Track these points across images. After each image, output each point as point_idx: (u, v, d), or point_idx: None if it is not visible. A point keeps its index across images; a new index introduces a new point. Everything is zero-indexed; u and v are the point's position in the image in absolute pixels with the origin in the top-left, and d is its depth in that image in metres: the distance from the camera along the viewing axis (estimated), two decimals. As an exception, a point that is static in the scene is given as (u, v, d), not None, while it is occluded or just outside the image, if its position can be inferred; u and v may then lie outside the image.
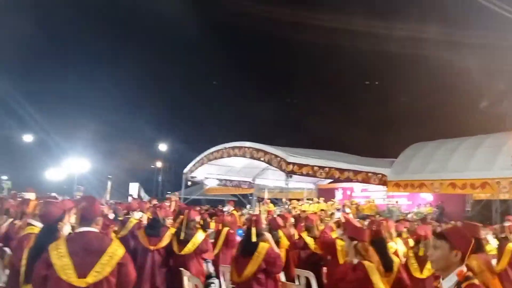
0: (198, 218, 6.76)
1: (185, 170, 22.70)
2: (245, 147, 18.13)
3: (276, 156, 16.55)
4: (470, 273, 2.51)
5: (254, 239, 4.93)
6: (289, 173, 16.28)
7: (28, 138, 31.29)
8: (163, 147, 32.68)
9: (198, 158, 21.39)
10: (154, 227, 6.49)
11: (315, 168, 16.52)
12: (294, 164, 16.05)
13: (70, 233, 3.41)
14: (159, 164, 33.26)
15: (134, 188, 27.04)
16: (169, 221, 6.48)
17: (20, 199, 8.93)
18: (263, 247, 4.80)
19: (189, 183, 24.38)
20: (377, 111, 30.98)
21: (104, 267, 3.07)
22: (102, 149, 30.87)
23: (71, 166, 29.28)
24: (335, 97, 33.41)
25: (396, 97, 29.53)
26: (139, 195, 24.43)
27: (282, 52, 37.03)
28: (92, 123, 30.55)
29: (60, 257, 2.99)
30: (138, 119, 31.83)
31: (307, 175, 16.84)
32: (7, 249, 6.15)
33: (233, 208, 14.17)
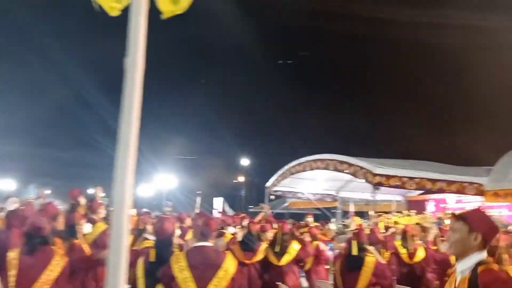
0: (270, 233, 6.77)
1: (267, 184, 22.87)
2: (328, 159, 17.89)
3: (362, 167, 16.11)
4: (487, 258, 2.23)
5: (355, 252, 4.83)
6: (376, 185, 15.74)
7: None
8: (245, 161, 33.34)
9: (280, 172, 21.46)
10: (248, 242, 6.62)
11: (404, 179, 15.81)
12: (381, 175, 15.50)
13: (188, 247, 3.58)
14: (241, 178, 33.93)
15: (218, 203, 27.76)
16: (268, 235, 6.57)
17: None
18: (369, 261, 4.69)
19: (272, 197, 24.53)
20: (466, 115, 29.12)
21: (220, 281, 3.19)
22: (188, 165, 32.20)
23: (160, 182, 30.89)
24: (418, 102, 32.01)
25: (487, 100, 27.52)
26: (223, 210, 25.03)
27: (358, 60, 36.32)
28: (178, 140, 32.04)
29: (181, 270, 3.16)
30: (221, 135, 32.86)
31: (396, 186, 16.16)
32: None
33: (313, 221, 13.96)
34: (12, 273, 4.16)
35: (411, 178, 15.74)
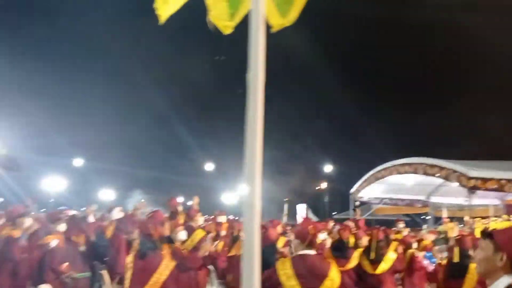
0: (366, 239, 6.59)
1: (352, 190, 22.45)
2: (417, 163, 17.16)
3: (455, 171, 15.25)
4: None
5: (456, 259, 4.60)
6: (472, 189, 14.82)
7: (210, 167, 35.01)
8: (328, 168, 32.99)
9: (365, 177, 21.00)
10: (340, 249, 6.53)
11: (502, 181, 14.71)
12: (476, 178, 14.56)
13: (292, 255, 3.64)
14: (324, 185, 33.58)
15: (302, 209, 27.68)
16: (363, 241, 6.45)
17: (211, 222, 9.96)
18: (474, 268, 4.44)
19: (357, 203, 23.99)
20: None
21: None
22: (271, 172, 32.56)
23: (244, 190, 31.46)
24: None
25: None
26: (307, 217, 24.92)
27: (440, 58, 34.45)
28: (264, 148, 32.52)
29: (288, 278, 3.22)
30: (303, 141, 32.87)
31: (493, 190, 15.08)
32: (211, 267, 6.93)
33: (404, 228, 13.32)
34: (128, 275, 4.52)
35: (510, 181, 14.62)
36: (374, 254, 6.16)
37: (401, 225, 11.27)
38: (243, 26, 2.25)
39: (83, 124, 30.30)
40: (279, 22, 2.20)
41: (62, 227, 6.20)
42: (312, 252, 3.47)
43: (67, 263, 5.88)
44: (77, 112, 31.26)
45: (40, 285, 5.73)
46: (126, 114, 31.98)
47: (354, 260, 6.36)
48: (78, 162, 31.95)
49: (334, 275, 3.33)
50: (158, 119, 33.17)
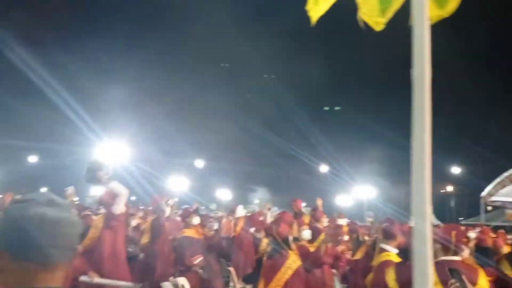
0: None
1: (483, 194, 20.49)
2: None
3: None
4: None
5: None
6: None
7: (324, 169, 34.90)
8: (455, 169, 30.67)
9: (498, 180, 19.00)
10: (483, 256, 6.09)
11: None
12: None
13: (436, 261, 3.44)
14: (450, 188, 31.27)
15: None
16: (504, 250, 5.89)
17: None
18: None
19: (489, 208, 21.85)
20: None
21: None
22: (388, 176, 31.33)
23: (360, 193, 30.83)
24: None
25: None
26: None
27: None
28: (374, 149, 31.44)
29: (434, 284, 3.05)
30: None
31: None
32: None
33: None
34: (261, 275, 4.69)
35: None
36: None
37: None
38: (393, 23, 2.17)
39: (204, 128, 32.19)
40: (437, 13, 2.07)
41: (196, 220, 6.63)
42: (457, 258, 3.26)
43: (200, 256, 6.30)
44: (198, 117, 33.28)
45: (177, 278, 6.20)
46: (242, 117, 33.21)
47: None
48: (199, 163, 34.09)
49: (483, 283, 3.08)
50: (273, 121, 33.86)
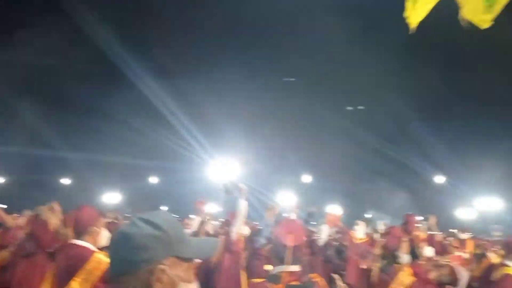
0: None
1: None
2: None
3: None
4: None
5: None
6: None
7: (440, 179, 32.80)
8: None
9: None
10: None
11: None
12: None
13: None
14: None
15: None
16: None
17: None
18: None
19: None
20: None
21: None
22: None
23: (482, 205, 28.27)
24: None
25: None
26: None
27: None
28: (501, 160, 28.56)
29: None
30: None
31: None
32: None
33: None
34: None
35: None
36: None
37: None
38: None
39: (310, 144, 32.24)
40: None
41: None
42: None
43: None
44: (308, 132, 33.43)
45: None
46: (350, 135, 32.59)
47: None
48: (306, 178, 34.11)
49: None
50: (384, 136, 32.64)
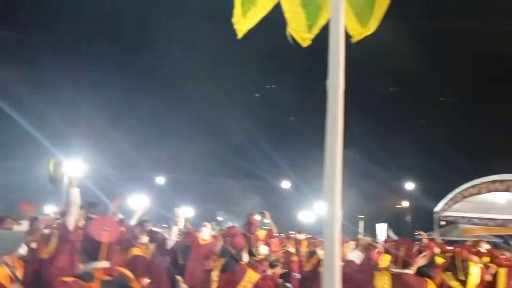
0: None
1: (436, 209, 21.25)
2: (509, 180, 15.88)
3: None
4: None
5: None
6: None
7: (286, 184, 35.19)
8: (410, 185, 31.58)
9: (450, 196, 19.83)
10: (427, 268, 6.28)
11: None
12: None
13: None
14: (405, 203, 32.17)
15: (381, 229, 26.65)
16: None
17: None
18: None
19: (442, 223, 22.61)
20: None
21: None
22: (350, 191, 31.85)
23: (321, 208, 31.20)
24: None
25: None
26: (388, 236, 23.92)
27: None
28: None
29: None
30: (384, 158, 31.80)
31: None
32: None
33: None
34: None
35: None
36: (462, 273, 5.87)
37: (485, 245, 10.47)
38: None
39: (164, 146, 31.84)
40: (359, 31, 2.18)
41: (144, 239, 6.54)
42: (410, 271, 3.52)
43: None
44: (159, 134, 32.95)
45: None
46: (205, 139, 33.11)
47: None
48: (160, 180, 33.60)
49: None
50: (232, 145, 33.95)
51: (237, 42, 2.23)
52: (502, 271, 7.14)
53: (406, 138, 34.42)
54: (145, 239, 6.56)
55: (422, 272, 6.18)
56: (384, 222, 27.70)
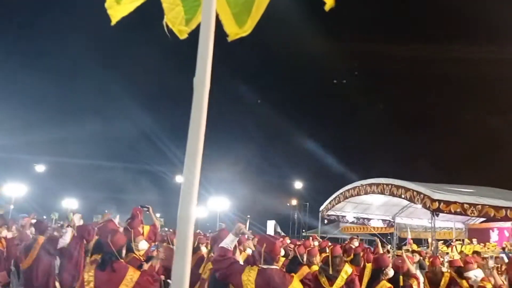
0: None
1: (321, 208, 22.59)
2: (384, 183, 17.40)
3: (419, 192, 15.52)
4: None
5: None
6: (435, 211, 15.10)
7: (179, 179, 34.74)
8: (298, 184, 33.22)
9: (334, 196, 21.16)
10: (294, 264, 6.59)
11: (465, 205, 15.03)
12: (440, 201, 14.84)
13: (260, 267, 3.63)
14: (294, 202, 33.78)
15: (270, 226, 27.68)
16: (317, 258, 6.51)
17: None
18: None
19: (325, 221, 24.15)
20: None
21: None
22: (241, 189, 32.51)
23: (214, 205, 31.45)
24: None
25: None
26: (276, 232, 24.90)
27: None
28: (233, 165, 32.42)
29: (246, 285, 3.27)
30: (273, 158, 33.01)
31: (456, 213, 15.40)
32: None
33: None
34: None
35: (473, 205, 14.94)
36: (332, 269, 6.18)
37: (356, 242, 11.41)
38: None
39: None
40: (236, 31, 2.19)
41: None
42: (275, 266, 3.58)
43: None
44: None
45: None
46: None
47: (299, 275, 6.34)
48: (40, 168, 31.08)
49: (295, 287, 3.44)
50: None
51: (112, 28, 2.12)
52: (369, 266, 7.76)
53: (298, 140, 36.24)
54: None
55: (287, 267, 6.52)
56: (274, 219, 28.86)
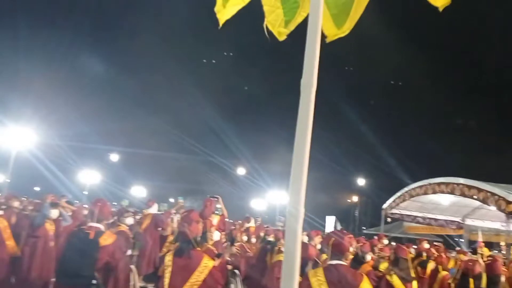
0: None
1: (384, 206, 21.98)
2: (455, 183, 16.61)
3: (494, 194, 14.66)
4: None
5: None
6: (510, 214, 14.23)
7: (241, 172, 35.36)
8: (361, 181, 32.55)
9: (398, 194, 20.51)
10: (357, 263, 6.51)
11: (545, 209, 14.04)
12: (517, 204, 13.95)
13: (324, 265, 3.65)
14: (355, 198, 33.14)
15: (330, 221, 27.40)
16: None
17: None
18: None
19: (389, 219, 23.48)
20: None
21: None
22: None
23: (273, 198, 31.67)
24: None
25: None
26: (335, 229, 24.65)
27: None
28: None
29: (319, 285, 3.24)
30: (336, 153, 32.52)
31: (534, 217, 14.44)
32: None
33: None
34: (167, 274, 4.62)
35: (554, 209, 13.92)
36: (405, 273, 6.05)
37: (426, 245, 11.02)
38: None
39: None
40: (334, 32, 2.22)
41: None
42: (343, 262, 3.52)
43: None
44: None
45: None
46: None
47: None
48: (114, 157, 32.83)
49: (365, 287, 3.36)
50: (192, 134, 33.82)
51: (212, 29, 2.22)
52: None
53: (361, 135, 35.43)
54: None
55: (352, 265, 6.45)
56: (334, 215, 28.55)
